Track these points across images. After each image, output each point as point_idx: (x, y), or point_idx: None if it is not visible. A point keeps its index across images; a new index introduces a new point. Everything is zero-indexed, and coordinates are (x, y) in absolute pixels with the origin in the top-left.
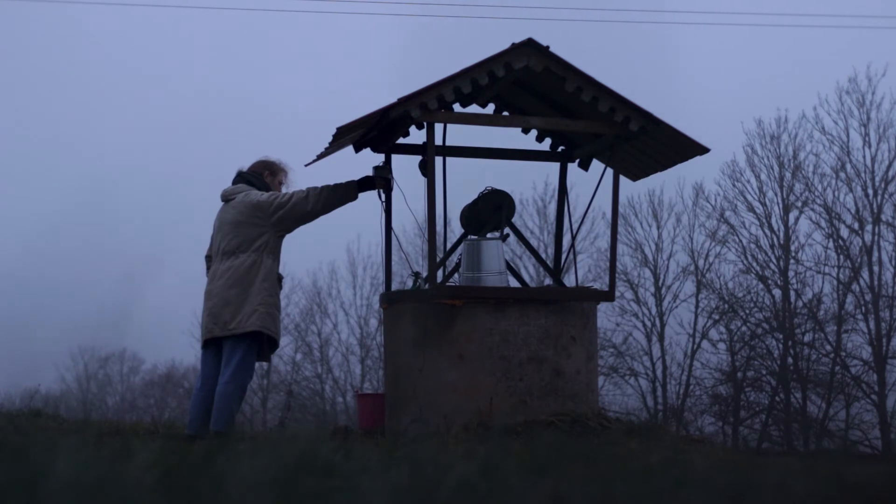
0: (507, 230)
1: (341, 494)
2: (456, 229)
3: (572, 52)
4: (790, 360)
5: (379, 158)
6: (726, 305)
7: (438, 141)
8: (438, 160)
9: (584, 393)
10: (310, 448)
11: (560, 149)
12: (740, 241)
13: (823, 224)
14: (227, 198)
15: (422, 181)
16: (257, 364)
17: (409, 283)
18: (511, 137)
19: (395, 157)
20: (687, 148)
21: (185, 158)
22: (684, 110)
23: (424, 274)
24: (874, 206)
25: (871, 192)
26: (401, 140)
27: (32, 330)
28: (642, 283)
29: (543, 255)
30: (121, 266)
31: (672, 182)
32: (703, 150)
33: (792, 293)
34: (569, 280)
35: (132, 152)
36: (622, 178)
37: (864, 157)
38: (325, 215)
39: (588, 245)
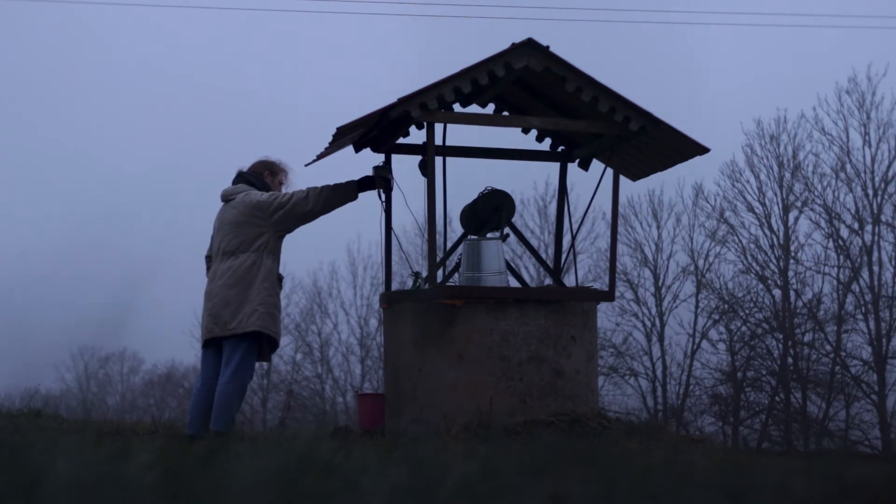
0: (506, 230)
1: (341, 494)
2: (456, 229)
3: (572, 52)
4: (790, 360)
5: (379, 158)
6: (726, 305)
7: (438, 141)
8: (438, 160)
9: (584, 393)
10: (310, 448)
11: (560, 149)
12: (740, 241)
13: (823, 224)
14: (227, 198)
15: (422, 181)
16: (257, 364)
17: (409, 283)
18: (511, 137)
19: (395, 157)
20: (687, 148)
21: (186, 158)
22: (684, 110)
23: (424, 274)
24: (874, 206)
25: (870, 192)
26: (401, 140)
27: (32, 330)
28: (642, 283)
29: (543, 255)
30: (121, 266)
31: (672, 182)
32: (702, 150)
33: (792, 293)
34: (569, 280)
35: (133, 152)
36: (622, 178)
37: (864, 157)
38: (326, 215)
39: (588, 245)
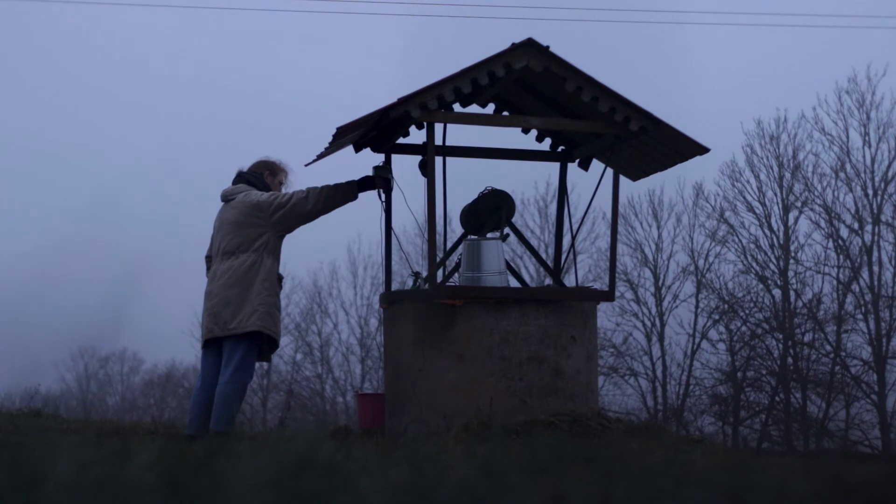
0: (506, 230)
1: (341, 494)
2: (456, 229)
3: (572, 52)
4: (790, 360)
5: (379, 158)
6: (726, 305)
7: (438, 141)
8: (438, 160)
9: (584, 393)
10: (310, 448)
11: (560, 149)
12: (740, 241)
13: (823, 224)
14: (227, 198)
15: (422, 181)
16: (257, 364)
17: (409, 283)
18: (511, 137)
19: (395, 157)
20: (687, 148)
21: (186, 157)
22: (684, 110)
23: (424, 274)
24: (874, 206)
25: (870, 192)
26: (401, 140)
27: (32, 330)
28: (642, 283)
29: (544, 255)
30: (121, 266)
31: (672, 182)
32: (703, 150)
33: (792, 293)
34: (569, 280)
35: (132, 151)
36: (622, 178)
37: (863, 157)
38: (326, 215)
39: (588, 245)
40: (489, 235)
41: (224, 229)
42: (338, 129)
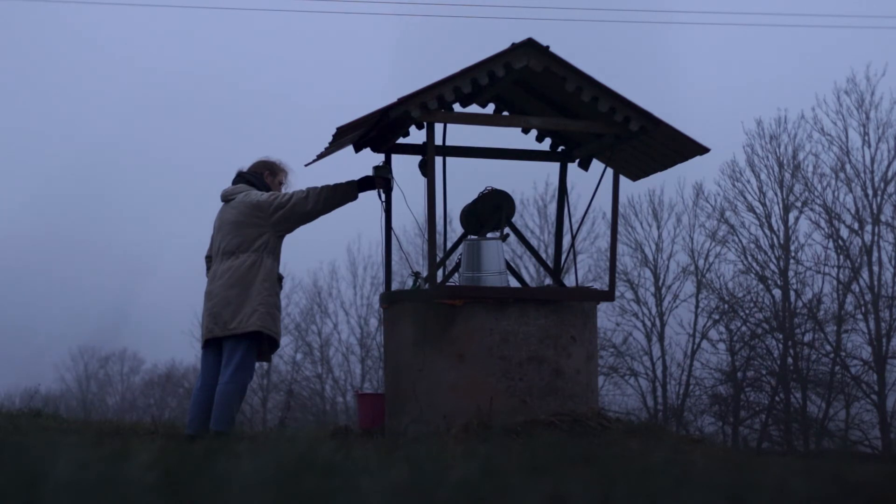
0: (506, 230)
1: (341, 494)
2: (456, 229)
3: (572, 53)
4: (790, 360)
5: (379, 158)
6: (726, 305)
7: (438, 141)
8: (438, 160)
9: (584, 393)
10: (310, 448)
11: (560, 149)
12: (740, 241)
13: (823, 224)
14: (227, 198)
15: (422, 181)
16: (257, 364)
17: (409, 283)
18: (511, 137)
19: (395, 157)
20: (687, 148)
21: (186, 157)
22: (684, 110)
23: (424, 274)
24: (874, 206)
25: (870, 192)
26: (401, 140)
27: (32, 330)
28: (642, 283)
29: (544, 255)
30: (121, 266)
31: (672, 182)
32: (703, 150)
33: (792, 293)
34: (569, 280)
35: (132, 151)
36: (622, 178)
37: (863, 157)
38: (326, 215)
39: (588, 245)
40: (489, 235)
41: (224, 229)
42: (338, 129)
